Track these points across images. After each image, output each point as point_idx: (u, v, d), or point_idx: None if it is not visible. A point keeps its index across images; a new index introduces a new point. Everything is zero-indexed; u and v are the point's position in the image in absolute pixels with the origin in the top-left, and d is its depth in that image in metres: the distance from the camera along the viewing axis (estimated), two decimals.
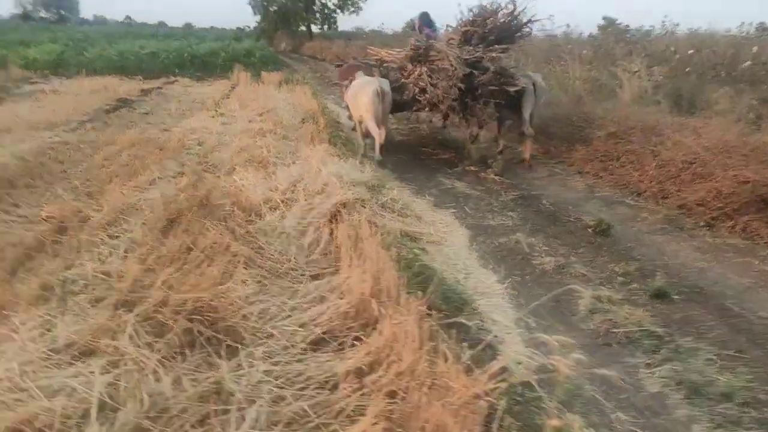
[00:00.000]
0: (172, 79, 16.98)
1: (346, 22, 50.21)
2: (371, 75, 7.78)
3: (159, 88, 14.40)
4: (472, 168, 7.29)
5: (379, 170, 6.41)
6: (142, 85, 14.71)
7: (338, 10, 42.57)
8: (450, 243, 4.70)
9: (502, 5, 7.23)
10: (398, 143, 9.17)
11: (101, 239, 4.03)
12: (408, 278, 3.39)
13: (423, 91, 7.22)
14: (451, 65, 6.82)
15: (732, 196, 5.01)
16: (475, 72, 6.94)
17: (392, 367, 2.40)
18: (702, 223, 5.04)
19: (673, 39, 12.03)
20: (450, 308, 3.25)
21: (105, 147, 7.06)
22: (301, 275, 3.73)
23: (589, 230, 4.90)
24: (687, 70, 9.04)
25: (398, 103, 7.58)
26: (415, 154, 8.29)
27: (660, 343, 3.12)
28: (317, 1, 42.34)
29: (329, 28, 43.47)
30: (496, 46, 7.08)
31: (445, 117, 7.62)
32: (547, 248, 4.56)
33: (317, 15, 42.95)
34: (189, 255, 3.71)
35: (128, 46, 20.63)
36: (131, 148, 7.04)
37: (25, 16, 58.35)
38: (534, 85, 7.13)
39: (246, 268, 3.65)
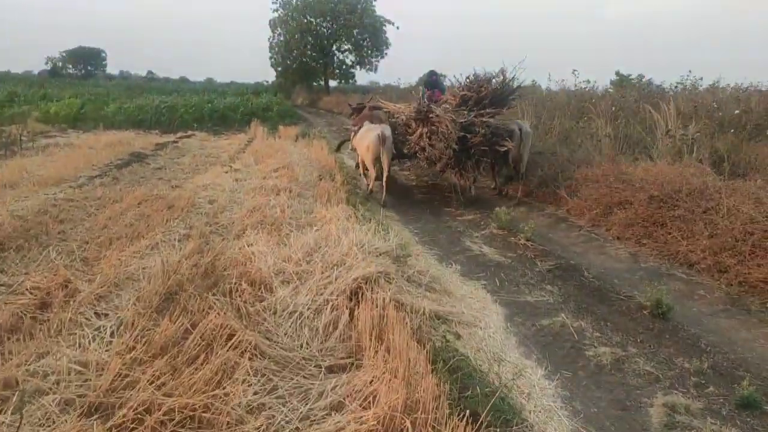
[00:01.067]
0: (189, 133, 16.84)
1: (362, 76, 51.10)
2: (381, 122, 8.76)
3: (174, 142, 14.19)
4: (500, 231, 6.77)
5: (402, 239, 5.89)
6: (158, 139, 14.55)
7: (357, 66, 43.26)
8: (484, 324, 4.11)
9: (495, 74, 8.36)
10: (419, 201, 8.72)
11: (86, 318, 3.52)
12: (443, 376, 2.81)
13: (423, 149, 8.15)
14: (447, 129, 7.69)
15: None
16: (468, 135, 7.85)
17: None
18: None
19: (695, 93, 11.67)
20: (496, 420, 2.65)
21: (110, 205, 6.66)
22: (315, 367, 3.17)
23: (645, 312, 4.27)
24: (731, 131, 8.55)
25: (403, 153, 8.82)
26: (437, 215, 7.81)
27: None
28: (335, 59, 43.16)
29: (347, 83, 44.12)
30: (488, 110, 8.04)
31: (442, 171, 8.63)
32: (599, 334, 3.93)
33: (336, 71, 43.69)
34: (185, 341, 3.19)
35: (147, 101, 20.74)
36: (138, 207, 6.62)
37: (54, 72, 60.30)
38: (520, 130, 8.16)
39: (251, 359, 3.11)
